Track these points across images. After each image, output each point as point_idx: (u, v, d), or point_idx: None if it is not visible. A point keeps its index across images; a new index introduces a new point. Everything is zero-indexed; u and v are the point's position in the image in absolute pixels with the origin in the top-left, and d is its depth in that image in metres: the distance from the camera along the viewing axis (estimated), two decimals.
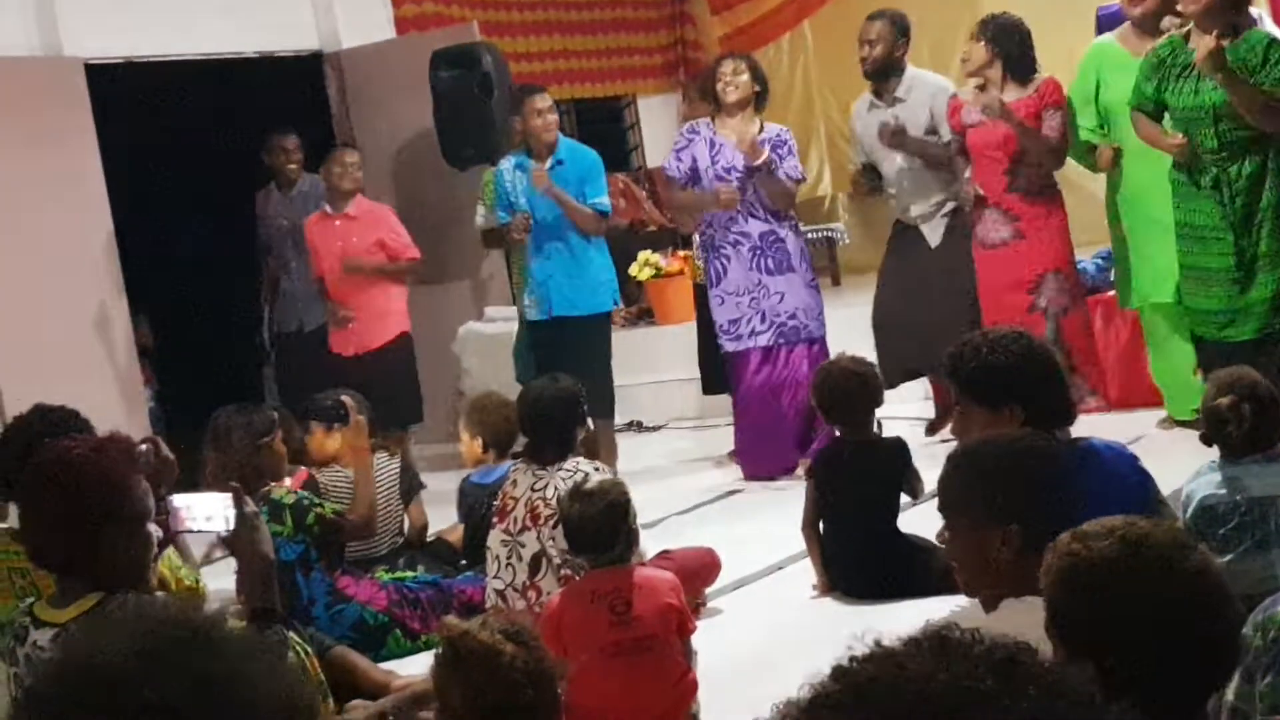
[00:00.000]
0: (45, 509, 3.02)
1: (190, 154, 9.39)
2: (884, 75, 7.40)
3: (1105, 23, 8.28)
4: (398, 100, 9.15)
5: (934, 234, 7.36)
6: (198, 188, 9.40)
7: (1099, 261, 7.69)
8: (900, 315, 7.33)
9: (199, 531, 2.95)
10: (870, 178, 7.55)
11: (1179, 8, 6.16)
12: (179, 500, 3.00)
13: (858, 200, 11.35)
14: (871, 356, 7.86)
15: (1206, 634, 2.13)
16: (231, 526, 2.89)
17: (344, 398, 5.60)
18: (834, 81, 11.42)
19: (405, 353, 8.13)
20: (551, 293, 7.49)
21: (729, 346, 7.38)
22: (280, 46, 9.38)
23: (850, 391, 5.45)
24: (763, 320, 7.29)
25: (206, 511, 2.94)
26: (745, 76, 7.31)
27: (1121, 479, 3.71)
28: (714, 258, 7.40)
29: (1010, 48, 6.92)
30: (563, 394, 5.29)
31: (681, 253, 10.61)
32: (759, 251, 7.29)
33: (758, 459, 7.33)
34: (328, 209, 8.09)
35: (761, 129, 7.35)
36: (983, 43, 6.93)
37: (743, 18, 11.88)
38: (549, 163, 7.47)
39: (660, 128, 12.00)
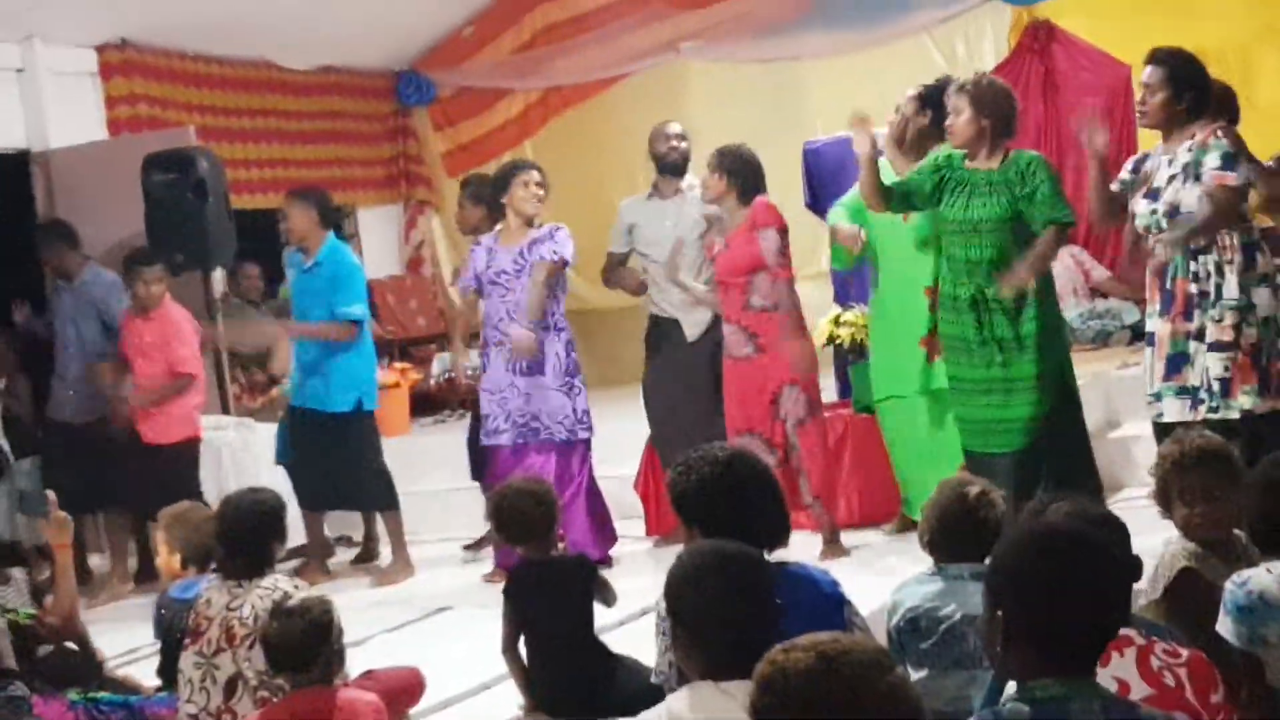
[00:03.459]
0: None
1: None
2: (680, 173, 7.75)
3: (810, 158, 8.65)
4: (108, 202, 8.93)
5: (694, 328, 7.59)
6: None
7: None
8: (673, 419, 7.63)
9: None
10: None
11: (949, 139, 6.52)
12: None
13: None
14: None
15: None
16: None
17: (49, 491, 5.35)
18: (557, 199, 11.54)
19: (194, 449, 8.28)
20: (305, 384, 7.86)
21: (484, 440, 7.60)
22: None
23: (525, 512, 5.46)
24: (506, 419, 7.48)
25: None
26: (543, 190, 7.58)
27: (817, 602, 3.81)
28: (483, 353, 7.65)
29: (744, 175, 7.19)
30: (260, 506, 5.15)
31: (399, 365, 10.56)
32: (514, 354, 7.48)
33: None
34: (131, 311, 8.21)
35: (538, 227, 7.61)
36: (718, 174, 7.17)
37: (465, 135, 11.99)
38: (310, 262, 7.81)
39: (380, 238, 11.99)
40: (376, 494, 7.99)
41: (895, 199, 6.58)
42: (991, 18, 10.61)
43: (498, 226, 7.65)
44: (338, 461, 7.86)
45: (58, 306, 8.61)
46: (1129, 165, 6.19)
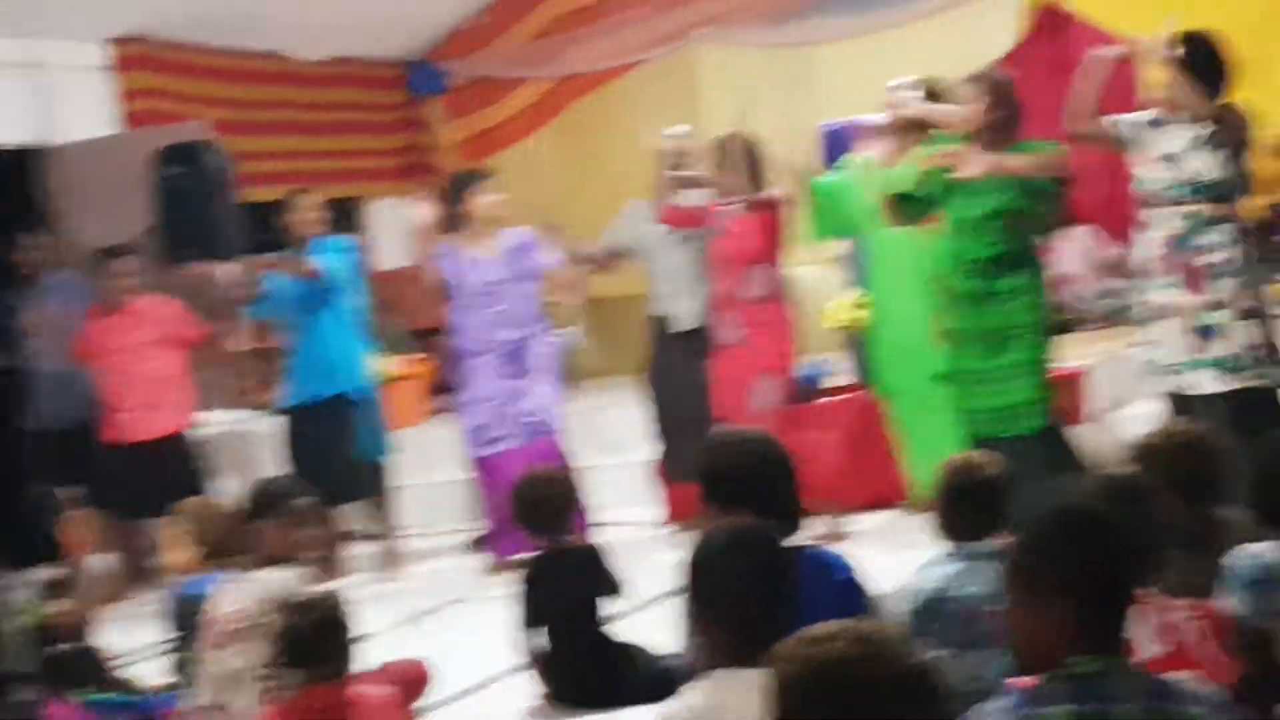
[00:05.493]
0: None
1: None
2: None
3: (828, 140, 8.62)
4: (117, 197, 8.89)
5: (679, 322, 7.72)
6: None
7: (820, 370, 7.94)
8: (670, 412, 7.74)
9: None
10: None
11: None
12: None
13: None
14: (606, 455, 8.08)
15: None
16: None
17: (68, 491, 5.31)
18: (570, 187, 11.52)
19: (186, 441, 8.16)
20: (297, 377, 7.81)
21: (481, 452, 7.46)
22: None
23: (542, 500, 5.46)
24: (511, 423, 7.42)
25: None
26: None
27: (836, 586, 3.79)
28: (456, 367, 7.63)
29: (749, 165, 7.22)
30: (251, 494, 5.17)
31: (411, 356, 10.53)
32: (506, 359, 7.41)
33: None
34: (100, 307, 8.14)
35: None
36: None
37: (477, 125, 11.95)
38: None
39: (391, 230, 11.94)
40: (358, 483, 7.87)
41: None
42: (1002, 1, 10.54)
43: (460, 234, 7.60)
44: (328, 451, 7.66)
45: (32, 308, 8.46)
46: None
